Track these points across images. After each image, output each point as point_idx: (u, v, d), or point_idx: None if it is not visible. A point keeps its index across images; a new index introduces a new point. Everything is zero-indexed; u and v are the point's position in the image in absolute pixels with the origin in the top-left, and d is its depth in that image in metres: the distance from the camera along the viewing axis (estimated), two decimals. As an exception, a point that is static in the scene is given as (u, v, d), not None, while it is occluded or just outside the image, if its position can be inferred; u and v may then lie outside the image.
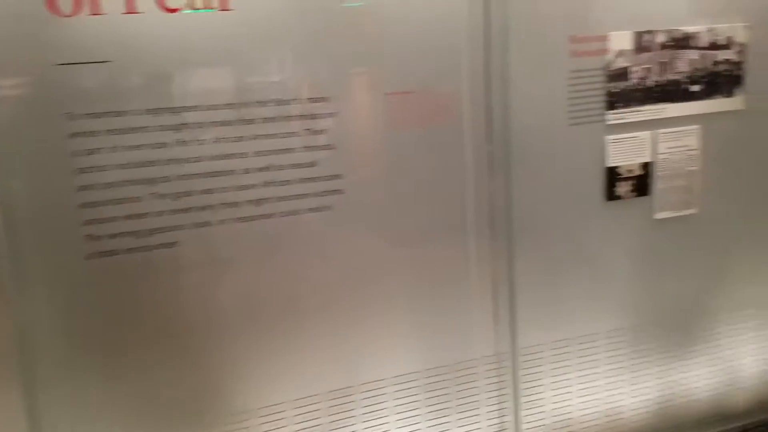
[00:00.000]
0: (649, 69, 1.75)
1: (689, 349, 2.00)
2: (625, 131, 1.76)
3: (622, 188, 1.80)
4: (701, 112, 1.82)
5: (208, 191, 1.42)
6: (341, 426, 1.66)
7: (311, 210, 1.51)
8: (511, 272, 1.74)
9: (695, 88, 1.80)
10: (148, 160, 1.37)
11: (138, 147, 1.36)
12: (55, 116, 1.30)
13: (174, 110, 1.37)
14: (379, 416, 1.69)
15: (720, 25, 1.77)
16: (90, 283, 1.38)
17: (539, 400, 1.86)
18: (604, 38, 1.69)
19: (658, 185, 1.83)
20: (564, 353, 1.86)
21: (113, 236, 1.38)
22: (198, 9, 1.36)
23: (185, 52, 1.37)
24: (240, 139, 1.42)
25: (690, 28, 1.75)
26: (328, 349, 1.61)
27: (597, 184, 1.78)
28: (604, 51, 1.70)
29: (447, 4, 1.56)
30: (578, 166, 1.76)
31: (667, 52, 1.76)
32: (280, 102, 1.44)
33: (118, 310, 1.42)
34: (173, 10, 1.34)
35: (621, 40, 1.70)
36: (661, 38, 1.74)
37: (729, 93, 1.83)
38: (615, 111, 1.74)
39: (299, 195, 1.49)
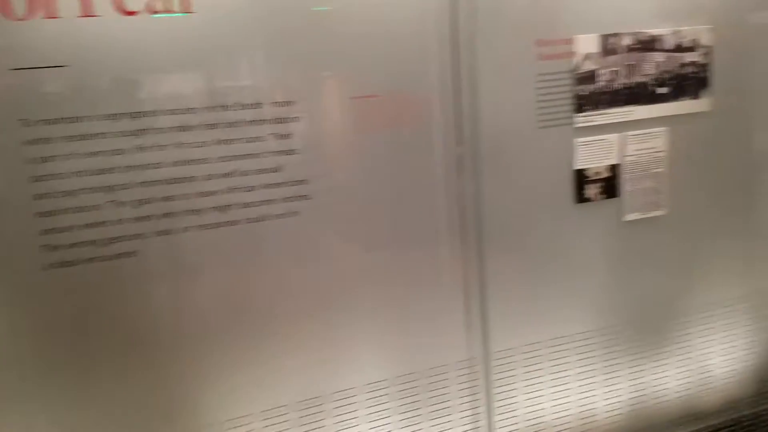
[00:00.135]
0: (616, 72, 1.75)
1: (660, 350, 2.01)
2: (593, 134, 1.76)
3: (591, 190, 1.80)
4: (668, 114, 1.83)
5: (170, 198, 1.39)
6: (312, 436, 1.63)
7: (278, 216, 1.49)
8: (483, 276, 1.73)
9: (662, 90, 1.81)
10: (106, 167, 1.33)
11: (96, 153, 1.32)
12: (9, 122, 1.26)
13: (133, 115, 1.33)
14: (350, 425, 1.67)
15: (685, 28, 1.78)
16: (47, 296, 1.34)
17: (512, 404, 1.85)
18: (570, 41, 1.69)
19: (626, 187, 1.83)
20: (536, 356, 1.85)
21: (72, 246, 1.34)
22: (158, 12, 1.33)
23: (145, 56, 1.33)
24: (202, 144, 1.39)
25: (655, 31, 1.76)
26: (297, 358, 1.58)
27: (566, 186, 1.78)
28: (571, 54, 1.70)
29: (415, 7, 1.54)
30: (548, 169, 1.75)
31: (634, 55, 1.76)
32: (243, 106, 1.41)
33: (78, 324, 1.38)
34: (132, 13, 1.31)
35: (587, 43, 1.71)
36: (627, 41, 1.74)
37: (695, 95, 1.85)
38: (583, 114, 1.74)
39: (265, 201, 1.46)
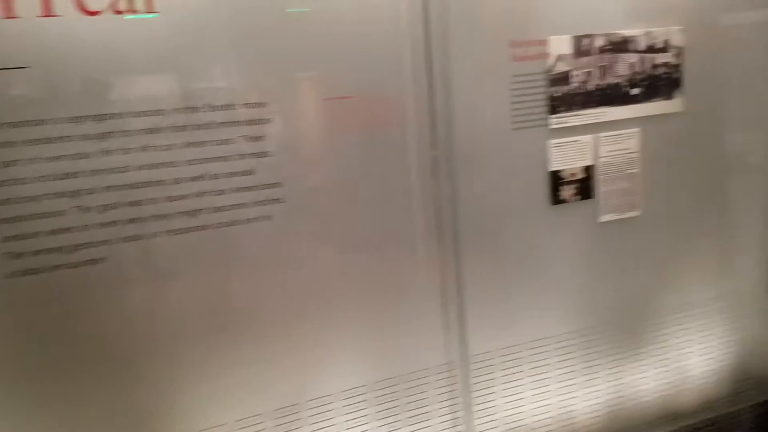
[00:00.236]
0: (589, 73, 1.75)
1: (638, 351, 2.01)
2: (568, 135, 1.76)
3: (567, 192, 1.80)
4: (641, 115, 1.84)
5: (137, 203, 1.35)
6: (288, 445, 1.60)
7: (250, 220, 1.46)
8: (460, 278, 1.72)
9: (635, 91, 1.82)
10: (71, 171, 1.29)
11: (60, 157, 1.28)
12: (-32, 126, 1.21)
13: (98, 118, 1.29)
14: (327, 433, 1.64)
15: (657, 29, 1.79)
16: (11, 305, 1.29)
17: (491, 408, 1.84)
18: (544, 43, 1.69)
19: (601, 188, 1.83)
20: (515, 359, 1.84)
21: (36, 253, 1.29)
22: (122, 12, 1.29)
23: (110, 57, 1.30)
24: (170, 147, 1.36)
25: (628, 32, 1.77)
26: (272, 366, 1.55)
27: (542, 188, 1.78)
28: (544, 55, 1.70)
29: (387, 9, 1.53)
30: (523, 171, 1.75)
31: (607, 56, 1.77)
32: (213, 107, 1.38)
33: (44, 334, 1.33)
34: (94, 13, 1.27)
35: (561, 45, 1.71)
36: (600, 42, 1.75)
37: (668, 96, 1.86)
38: (557, 115, 1.73)
39: (236, 205, 1.43)
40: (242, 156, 1.42)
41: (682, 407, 2.12)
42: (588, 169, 1.81)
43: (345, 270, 1.59)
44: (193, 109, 1.37)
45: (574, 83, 1.74)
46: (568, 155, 1.77)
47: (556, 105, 1.73)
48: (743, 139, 2.00)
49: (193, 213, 1.40)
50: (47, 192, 1.28)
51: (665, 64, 1.84)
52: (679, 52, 1.84)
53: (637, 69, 1.81)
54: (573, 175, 1.79)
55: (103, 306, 1.37)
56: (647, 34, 1.79)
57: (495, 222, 1.74)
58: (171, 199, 1.37)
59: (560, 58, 1.71)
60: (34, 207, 1.27)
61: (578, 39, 1.72)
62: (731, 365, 2.16)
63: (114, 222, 1.34)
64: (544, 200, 1.78)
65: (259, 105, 1.43)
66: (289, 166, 1.48)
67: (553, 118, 1.73)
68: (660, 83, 1.84)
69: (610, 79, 1.78)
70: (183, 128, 1.36)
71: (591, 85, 1.76)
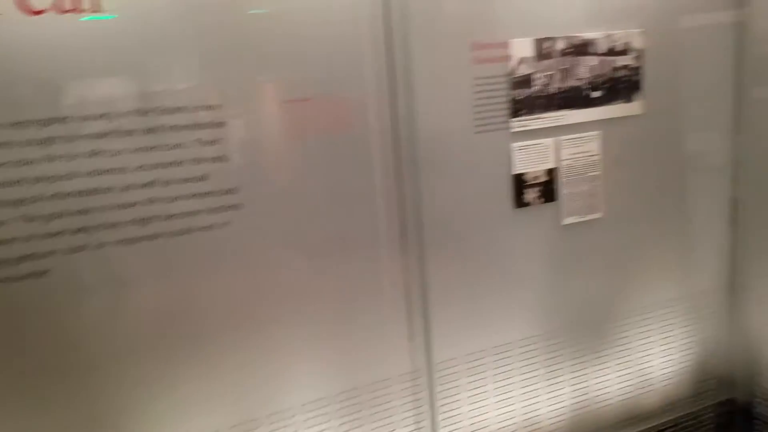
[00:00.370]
0: (550, 76, 1.75)
1: (601, 354, 2.01)
2: (530, 138, 1.75)
3: (530, 195, 1.79)
4: (602, 117, 1.84)
5: (84, 212, 1.28)
6: (248, 460, 1.54)
7: (205, 228, 1.40)
8: (424, 284, 1.69)
9: (596, 94, 1.82)
10: (13, 179, 1.22)
11: (1, 165, 1.21)
12: None
13: (42, 122, 1.23)
14: (288, 446, 1.59)
15: (617, 31, 1.80)
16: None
17: (456, 415, 1.81)
18: (505, 45, 1.68)
19: (563, 191, 1.82)
20: (480, 365, 1.82)
21: (-25, 266, 1.22)
22: (67, 11, 1.23)
23: (55, 58, 1.23)
24: (119, 152, 1.29)
25: (588, 35, 1.77)
26: (230, 379, 1.50)
27: (505, 191, 1.76)
28: (506, 58, 1.68)
29: (348, 10, 1.49)
30: (487, 174, 1.73)
31: (568, 59, 1.76)
32: (165, 111, 1.32)
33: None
34: (38, 12, 1.20)
35: (522, 47, 1.69)
36: (561, 45, 1.74)
37: (628, 98, 1.86)
38: (519, 118, 1.72)
39: (190, 212, 1.38)
40: (196, 161, 1.36)
41: (646, 409, 2.13)
42: (551, 172, 1.80)
43: (306, 278, 1.55)
44: (144, 112, 1.31)
45: (536, 86, 1.73)
46: (531, 158, 1.76)
47: (519, 108, 1.72)
48: (702, 139, 2.02)
49: (144, 221, 1.34)
50: (-14, 201, 1.21)
51: (625, 67, 1.84)
52: (639, 55, 1.84)
53: (598, 72, 1.81)
54: (536, 178, 1.78)
55: (46, 321, 1.30)
56: (608, 36, 1.79)
57: (459, 226, 1.72)
58: (120, 206, 1.31)
59: (522, 60, 1.70)
60: (-27, 217, 1.20)
61: (540, 42, 1.71)
62: (692, 366, 2.18)
63: (59, 232, 1.27)
64: (508, 203, 1.77)
65: (214, 107, 1.37)
66: (247, 170, 1.43)
67: (516, 121, 1.72)
68: (620, 86, 1.85)
69: (572, 82, 1.78)
70: (133, 132, 1.30)
71: (552, 88, 1.75)
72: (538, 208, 1.81)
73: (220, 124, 1.38)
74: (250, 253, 1.47)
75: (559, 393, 1.97)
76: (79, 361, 1.34)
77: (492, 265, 1.79)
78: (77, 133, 1.25)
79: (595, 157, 1.85)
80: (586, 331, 1.98)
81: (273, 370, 1.55)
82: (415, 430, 1.75)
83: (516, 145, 1.73)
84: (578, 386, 2.00)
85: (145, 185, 1.32)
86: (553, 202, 1.82)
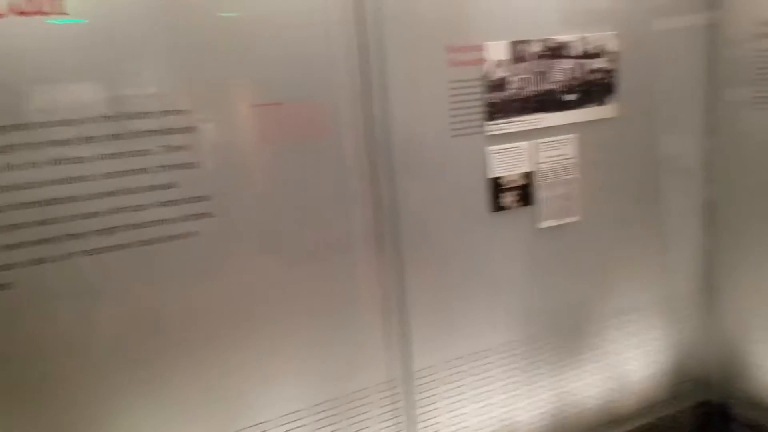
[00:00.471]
0: (526, 79, 1.73)
1: (579, 357, 2.00)
2: (506, 141, 1.73)
3: (507, 199, 1.77)
4: (577, 120, 1.83)
5: (47, 222, 1.23)
6: (222, 476, 1.49)
7: (175, 237, 1.35)
8: (402, 291, 1.66)
9: (571, 97, 1.81)
10: (-31, 189, 1.17)
11: (-44, 174, 1.15)
12: None
13: (1, 130, 1.17)
14: (264, 460, 1.55)
15: (591, 34, 1.79)
16: None
17: (435, 424, 1.79)
18: (480, 48, 1.66)
19: (540, 194, 1.81)
20: (458, 372, 1.80)
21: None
22: (26, 13, 1.17)
23: (15, 62, 1.18)
24: (83, 160, 1.24)
25: (563, 37, 1.76)
26: (203, 391, 1.45)
27: (482, 195, 1.74)
28: (481, 61, 1.66)
29: (320, 13, 1.46)
30: (463, 178, 1.71)
31: (543, 62, 1.75)
32: (131, 116, 1.27)
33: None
34: (-5, 14, 1.15)
35: (497, 50, 1.68)
36: (536, 48, 1.73)
37: (602, 101, 1.86)
38: (495, 121, 1.71)
39: (158, 221, 1.33)
40: (164, 168, 1.32)
41: (624, 412, 2.13)
42: (528, 176, 1.78)
43: (280, 287, 1.51)
44: (110, 117, 1.26)
45: (512, 89, 1.72)
46: (507, 162, 1.75)
47: (494, 111, 1.70)
48: (676, 142, 2.03)
49: (110, 231, 1.28)
50: (-59, 212, 1.15)
51: (600, 70, 1.84)
52: (613, 58, 1.84)
53: (573, 75, 1.80)
54: (513, 181, 1.77)
55: (7, 336, 1.23)
56: (582, 39, 1.79)
57: (436, 231, 1.70)
58: (85, 216, 1.26)
59: (497, 63, 1.68)
60: (-73, 229, 1.14)
61: (515, 45, 1.70)
62: (670, 368, 2.19)
63: (21, 244, 1.21)
64: (485, 207, 1.75)
65: (183, 112, 1.33)
66: (219, 177, 1.39)
67: (492, 124, 1.70)
68: (595, 89, 1.84)
69: (547, 85, 1.77)
70: (98, 139, 1.25)
71: (528, 92, 1.74)
72: (515, 211, 1.79)
73: (189, 130, 1.34)
74: (221, 262, 1.43)
75: (539, 398, 1.95)
76: (46, 373, 1.29)
77: (470, 270, 1.77)
78: (39, 140, 1.20)
79: (572, 161, 1.85)
80: (564, 335, 1.97)
81: (247, 382, 1.51)
82: (394, 440, 1.72)
83: (492, 148, 1.72)
84: (557, 391, 1.98)
85: (110, 193, 1.27)
86: (530, 206, 1.81)
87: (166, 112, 1.31)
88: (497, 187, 1.75)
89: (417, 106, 1.60)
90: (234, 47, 1.37)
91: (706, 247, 2.15)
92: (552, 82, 1.77)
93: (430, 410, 1.77)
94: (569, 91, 1.80)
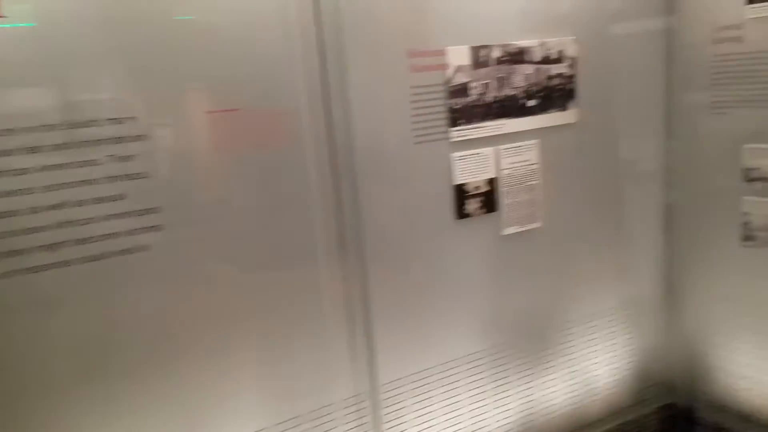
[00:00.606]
0: (487, 84, 1.71)
1: (546, 365, 1.99)
2: (470, 147, 1.71)
3: (471, 206, 1.74)
4: (539, 126, 1.82)
5: (-16, 238, 1.15)
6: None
7: (123, 252, 1.27)
8: (366, 301, 1.62)
9: (532, 102, 1.80)
10: None
11: None
12: None
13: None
14: (224, 484, 1.47)
15: (551, 39, 1.78)
16: None
17: (403, 438, 1.74)
18: (442, 53, 1.63)
19: (504, 201, 1.79)
20: (425, 384, 1.76)
21: None
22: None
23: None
24: (24, 171, 1.16)
25: (523, 43, 1.75)
26: (160, 410, 1.38)
27: (447, 202, 1.71)
28: (443, 66, 1.64)
29: (277, 16, 1.40)
30: (427, 185, 1.68)
31: (504, 67, 1.74)
32: (76, 124, 1.20)
33: None
34: None
35: (459, 55, 1.66)
36: (497, 53, 1.71)
37: (563, 107, 1.85)
38: (458, 128, 1.68)
39: (106, 235, 1.25)
40: (111, 179, 1.24)
41: (591, 417, 2.13)
42: (491, 182, 1.76)
43: (238, 300, 1.45)
44: (54, 126, 1.18)
45: (473, 95, 1.69)
46: (471, 168, 1.72)
47: (457, 117, 1.67)
48: (635, 146, 2.04)
49: (53, 247, 1.20)
50: None
51: (560, 75, 1.83)
52: (573, 63, 1.84)
53: (533, 80, 1.79)
54: (477, 188, 1.74)
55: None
56: (542, 44, 1.78)
57: (401, 240, 1.66)
58: (26, 231, 1.17)
59: (459, 69, 1.66)
60: None
61: (476, 50, 1.68)
62: (634, 372, 2.19)
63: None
64: (450, 215, 1.72)
65: (132, 119, 1.25)
66: (171, 187, 1.32)
67: (455, 130, 1.67)
68: (556, 94, 1.84)
69: (508, 91, 1.75)
70: (41, 149, 1.17)
71: (489, 97, 1.72)
72: (480, 218, 1.77)
73: (140, 138, 1.27)
74: (175, 276, 1.36)
75: (507, 407, 1.93)
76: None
77: (435, 279, 1.73)
78: (-28, 151, 1.12)
79: (534, 166, 1.83)
80: (530, 342, 1.95)
81: (208, 400, 1.44)
82: (360, 457, 1.67)
83: (456, 155, 1.69)
84: (525, 399, 1.96)
85: (54, 206, 1.19)
86: (493, 213, 1.79)
87: (116, 120, 1.24)
88: (461, 194, 1.72)
89: (379, 113, 1.57)
90: (188, 52, 1.31)
91: (665, 250, 2.16)
92: (513, 88, 1.76)
93: (398, 425, 1.72)
94: (531, 97, 1.79)
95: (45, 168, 1.17)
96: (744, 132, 1.85)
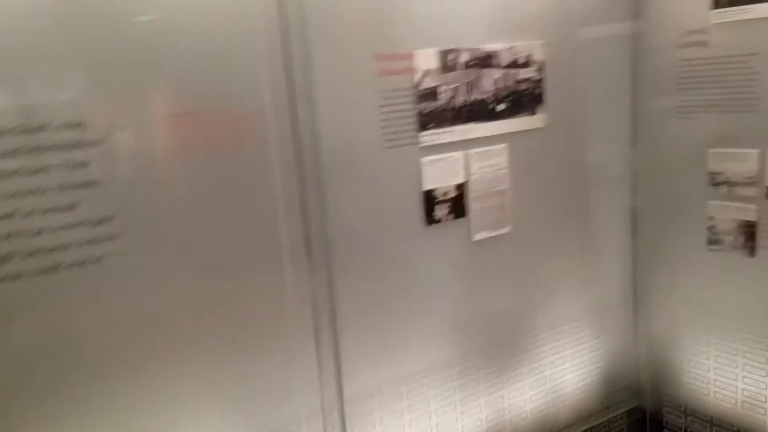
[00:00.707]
0: (456, 88, 1.69)
1: (516, 372, 1.97)
2: (439, 152, 1.68)
3: (441, 211, 1.72)
4: (507, 131, 1.80)
5: None
6: None
7: (75, 264, 1.20)
8: (333, 310, 1.57)
9: (500, 107, 1.78)
10: None
11: None
12: None
13: None
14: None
15: (519, 43, 1.77)
16: None
17: (372, 450, 1.70)
18: (410, 56, 1.60)
19: (473, 206, 1.77)
20: (394, 396, 1.72)
21: None
22: None
23: None
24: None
25: (492, 47, 1.73)
26: (117, 427, 1.31)
27: (416, 208, 1.68)
28: (411, 70, 1.61)
29: (240, 17, 1.35)
30: (397, 191, 1.65)
31: (472, 71, 1.71)
32: (24, 130, 1.13)
33: None
34: None
35: (427, 59, 1.63)
36: (465, 57, 1.69)
37: (532, 111, 1.84)
38: (427, 132, 1.65)
39: (58, 246, 1.18)
40: (61, 187, 1.17)
41: (560, 423, 2.12)
42: (460, 187, 1.74)
43: (199, 309, 1.39)
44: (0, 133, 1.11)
45: (442, 99, 1.67)
46: (440, 173, 1.70)
47: (426, 122, 1.65)
48: (603, 151, 2.04)
49: (1, 260, 1.13)
50: None
51: (528, 80, 1.82)
52: (541, 67, 1.83)
53: (502, 84, 1.77)
54: (446, 193, 1.72)
55: None
56: (510, 49, 1.76)
57: (369, 247, 1.63)
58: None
59: (427, 73, 1.63)
60: None
61: (444, 53, 1.65)
62: (603, 376, 2.19)
63: None
64: (419, 221, 1.69)
65: (84, 124, 1.19)
66: (127, 195, 1.26)
67: (424, 135, 1.64)
68: (524, 99, 1.82)
69: (477, 95, 1.73)
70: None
71: (458, 101, 1.70)
72: (449, 224, 1.74)
73: (91, 144, 1.20)
74: (132, 287, 1.29)
75: (477, 416, 1.90)
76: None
77: (404, 287, 1.70)
78: None
79: (503, 171, 1.82)
80: (499, 349, 1.93)
81: (163, 416, 1.37)
82: (328, 471, 1.62)
83: (425, 159, 1.66)
84: (495, 407, 1.94)
85: (1, 218, 1.12)
86: (463, 218, 1.76)
87: (68, 125, 1.17)
88: (431, 199, 1.69)
89: (346, 117, 1.53)
90: (145, 53, 1.25)
91: (632, 254, 2.17)
92: (482, 92, 1.74)
93: (366, 437, 1.68)
94: (499, 101, 1.77)
95: (-7, 175, 1.10)
96: (709, 136, 1.86)
